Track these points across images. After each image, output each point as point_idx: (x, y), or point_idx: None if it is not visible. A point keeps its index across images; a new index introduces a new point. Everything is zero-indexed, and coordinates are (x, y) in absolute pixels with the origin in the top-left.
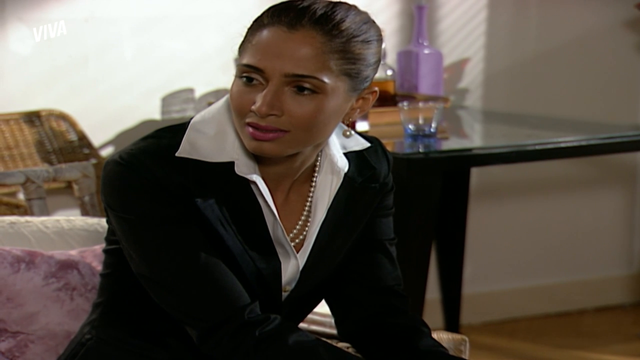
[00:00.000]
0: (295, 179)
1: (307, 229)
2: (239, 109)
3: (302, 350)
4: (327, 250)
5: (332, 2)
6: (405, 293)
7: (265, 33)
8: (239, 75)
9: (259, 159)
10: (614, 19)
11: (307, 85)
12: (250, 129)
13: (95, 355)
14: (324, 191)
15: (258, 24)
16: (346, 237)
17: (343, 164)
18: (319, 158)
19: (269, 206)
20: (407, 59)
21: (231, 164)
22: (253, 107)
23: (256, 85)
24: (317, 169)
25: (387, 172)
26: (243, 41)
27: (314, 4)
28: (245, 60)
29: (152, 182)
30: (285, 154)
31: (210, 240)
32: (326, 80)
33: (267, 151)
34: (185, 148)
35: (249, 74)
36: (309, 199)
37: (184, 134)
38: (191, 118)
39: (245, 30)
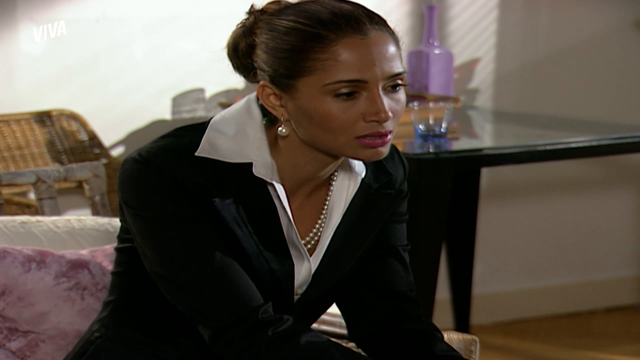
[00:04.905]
0: (315, 184)
1: (321, 232)
2: (347, 125)
3: (314, 350)
4: (340, 255)
5: (353, 3)
6: (416, 294)
7: (344, 46)
8: (334, 94)
9: (296, 163)
10: (624, 19)
11: (399, 81)
12: (368, 140)
13: (104, 353)
14: (341, 196)
15: (322, 43)
16: (359, 242)
17: (360, 169)
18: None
19: (284, 208)
20: (418, 59)
21: (249, 165)
22: (373, 117)
23: (355, 98)
24: (335, 173)
25: (402, 179)
26: (304, 64)
27: (350, 5)
28: (341, 77)
29: (170, 180)
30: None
31: (225, 240)
32: (405, 72)
33: (385, 153)
34: (204, 147)
35: (351, 89)
36: (326, 204)
37: (204, 133)
38: (211, 118)
39: (291, 53)
